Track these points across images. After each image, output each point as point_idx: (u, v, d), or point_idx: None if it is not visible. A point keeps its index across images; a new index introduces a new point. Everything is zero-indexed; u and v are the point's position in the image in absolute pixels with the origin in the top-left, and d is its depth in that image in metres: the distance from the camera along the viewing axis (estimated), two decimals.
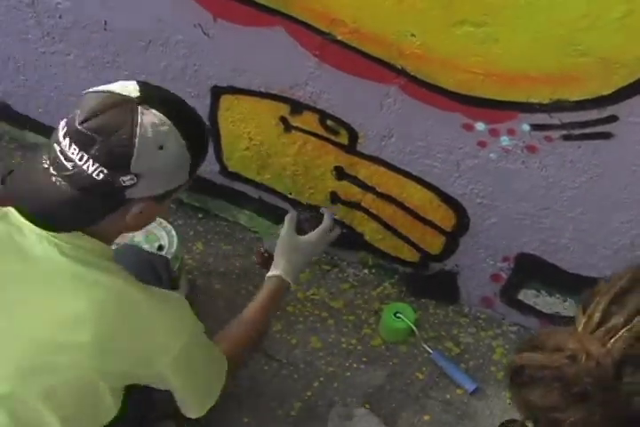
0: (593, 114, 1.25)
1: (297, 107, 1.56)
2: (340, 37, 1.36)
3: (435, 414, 1.66)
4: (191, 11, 1.48)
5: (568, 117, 1.28)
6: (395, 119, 1.47)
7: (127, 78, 1.70)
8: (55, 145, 1.05)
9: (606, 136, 1.28)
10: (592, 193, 1.39)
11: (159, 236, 1.69)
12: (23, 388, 1.09)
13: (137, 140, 1.01)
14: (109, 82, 1.75)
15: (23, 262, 1.10)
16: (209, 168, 1.84)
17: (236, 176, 1.86)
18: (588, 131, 1.28)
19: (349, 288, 1.90)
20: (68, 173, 1.03)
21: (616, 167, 1.32)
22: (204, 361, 1.22)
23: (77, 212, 1.06)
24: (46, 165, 1.05)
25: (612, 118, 1.24)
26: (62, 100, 1.93)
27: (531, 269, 1.65)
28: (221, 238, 1.99)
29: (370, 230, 1.79)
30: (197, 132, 1.13)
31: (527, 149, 1.37)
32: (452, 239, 1.68)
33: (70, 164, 1.02)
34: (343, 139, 1.59)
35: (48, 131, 2.02)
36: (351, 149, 1.60)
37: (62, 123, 1.06)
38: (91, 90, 1.09)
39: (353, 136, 1.56)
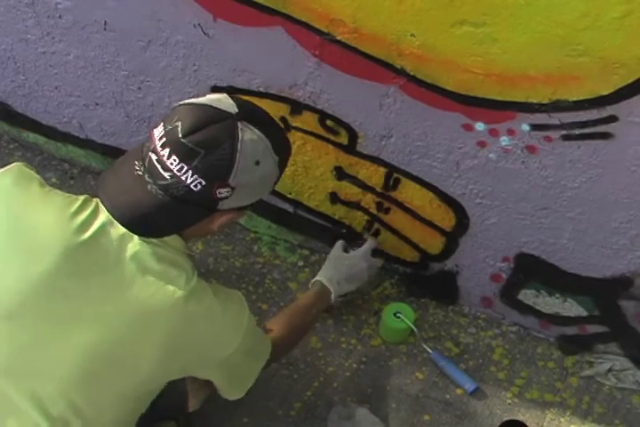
0: (592, 114, 1.25)
1: (296, 107, 1.56)
2: (339, 37, 1.36)
3: (434, 414, 1.66)
4: (191, 11, 1.48)
5: (568, 117, 1.28)
6: (394, 119, 1.47)
7: (127, 78, 1.73)
8: (152, 154, 1.08)
9: (606, 136, 1.28)
10: (592, 193, 1.39)
11: None
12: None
13: (238, 156, 1.07)
14: (109, 82, 1.77)
15: (115, 261, 1.12)
16: None
17: None
18: (587, 131, 1.28)
19: None
20: (164, 182, 1.07)
21: (616, 167, 1.32)
22: (252, 352, 1.28)
23: (170, 219, 1.10)
24: (140, 173, 1.09)
25: (612, 118, 1.24)
26: (62, 100, 1.93)
27: (530, 270, 1.65)
28: (221, 238, 1.99)
29: (370, 230, 1.79)
30: (287, 149, 1.20)
31: (527, 149, 1.37)
32: (452, 239, 1.68)
33: (168, 173, 1.06)
34: (343, 139, 1.59)
35: (48, 131, 2.05)
36: (351, 149, 1.60)
37: (158, 132, 1.09)
38: (186, 102, 1.13)
39: (353, 136, 1.57)
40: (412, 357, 1.76)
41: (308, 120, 1.59)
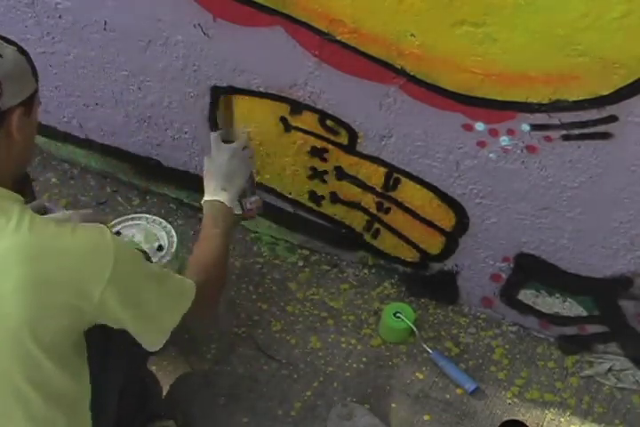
0: (592, 114, 1.25)
1: (296, 107, 1.56)
2: (339, 37, 1.36)
3: (434, 414, 1.66)
4: (191, 11, 1.48)
5: (568, 117, 1.28)
6: (394, 119, 1.47)
7: (127, 78, 1.73)
8: None
9: (606, 136, 1.28)
10: (592, 193, 1.39)
11: (159, 236, 1.69)
12: None
13: None
14: (109, 82, 1.77)
15: None
16: None
17: None
18: (587, 131, 1.28)
19: (349, 288, 1.90)
20: None
21: (616, 167, 1.32)
22: (150, 290, 1.17)
23: None
24: None
25: (612, 118, 1.24)
26: (62, 101, 1.93)
27: (530, 270, 1.65)
28: None
29: (370, 230, 1.80)
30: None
31: (527, 149, 1.37)
32: (452, 239, 1.68)
33: None
34: (343, 139, 1.59)
35: (48, 131, 2.05)
36: (351, 149, 1.60)
37: None
38: None
39: (353, 136, 1.57)
40: (411, 357, 1.76)
41: (308, 120, 1.59)
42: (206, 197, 1.53)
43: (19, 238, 1.04)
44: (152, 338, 1.20)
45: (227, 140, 1.59)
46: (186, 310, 1.21)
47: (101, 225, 1.16)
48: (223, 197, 1.52)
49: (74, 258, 1.07)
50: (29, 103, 1.14)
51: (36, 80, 1.17)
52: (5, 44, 1.12)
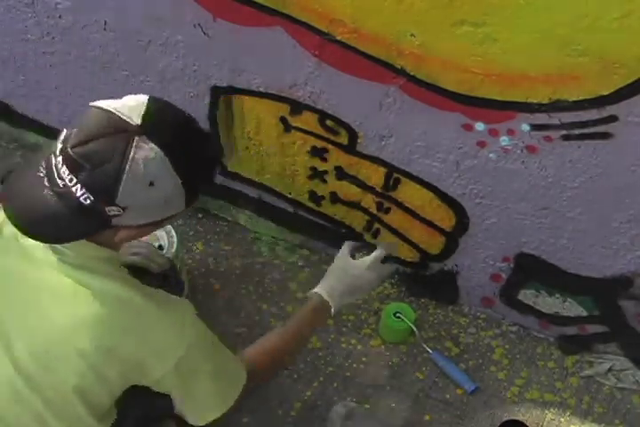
0: (592, 114, 1.25)
1: (296, 107, 1.56)
2: (339, 37, 1.36)
3: (434, 414, 1.66)
4: (191, 11, 1.48)
5: (568, 117, 1.28)
6: (394, 119, 1.47)
7: (127, 78, 1.73)
8: (52, 158, 1.02)
9: (606, 136, 1.28)
10: (592, 193, 1.39)
11: (159, 236, 1.69)
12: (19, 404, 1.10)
13: (125, 176, 0.97)
14: (109, 82, 1.77)
15: (28, 264, 1.09)
16: None
17: (235, 176, 1.86)
18: (587, 131, 1.28)
19: None
20: (59, 189, 1.00)
21: (616, 167, 1.32)
22: (210, 372, 1.18)
23: (65, 228, 1.03)
24: (42, 175, 1.02)
25: (612, 118, 1.24)
26: (62, 100, 1.93)
27: (530, 270, 1.65)
28: (221, 238, 1.99)
29: (370, 230, 1.80)
30: (197, 166, 1.07)
31: (527, 149, 1.37)
32: (452, 239, 1.68)
33: (61, 182, 1.00)
34: (343, 139, 1.59)
35: (48, 131, 2.05)
36: (351, 149, 1.60)
37: (62, 134, 1.03)
38: (97, 104, 1.04)
39: (353, 136, 1.56)
40: (411, 357, 1.76)
41: (307, 120, 1.59)
42: (322, 292, 1.47)
43: (104, 308, 1.06)
44: (193, 418, 1.23)
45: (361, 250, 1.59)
46: (233, 401, 1.23)
47: (186, 303, 1.18)
48: (336, 303, 1.47)
49: (149, 340, 1.10)
50: (157, 222, 1.08)
51: (188, 204, 1.07)
52: (175, 174, 1.01)
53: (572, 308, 1.67)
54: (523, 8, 1.15)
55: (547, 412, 1.67)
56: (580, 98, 1.24)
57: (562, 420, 1.66)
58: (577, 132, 1.30)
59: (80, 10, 1.64)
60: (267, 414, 1.64)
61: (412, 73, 1.35)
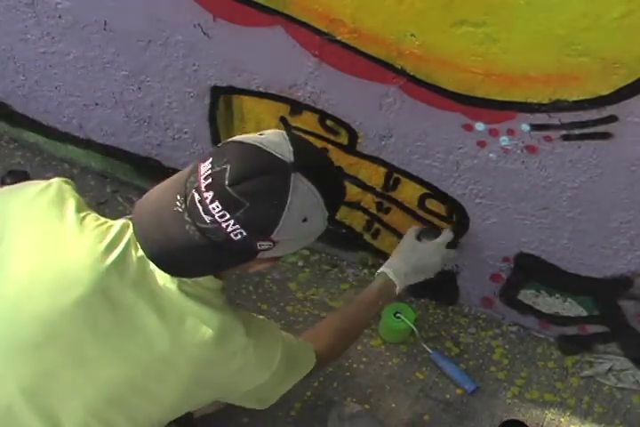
0: (592, 114, 1.25)
1: (296, 107, 1.56)
2: (339, 37, 1.36)
3: (435, 414, 1.66)
4: (191, 11, 1.48)
5: (567, 117, 1.28)
6: (394, 119, 1.47)
7: (127, 78, 1.73)
8: (195, 193, 0.99)
9: (606, 136, 1.27)
10: (592, 193, 1.39)
11: None
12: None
13: (285, 213, 0.99)
14: (109, 82, 1.77)
15: (144, 289, 1.10)
16: None
17: None
18: (587, 131, 1.28)
19: (349, 288, 1.90)
20: (204, 225, 0.99)
21: (616, 167, 1.32)
22: (286, 370, 1.24)
23: (204, 262, 1.04)
24: (180, 210, 1.00)
25: (612, 118, 1.24)
26: (62, 101, 1.93)
27: (530, 270, 1.65)
28: None
29: (370, 230, 1.80)
30: (339, 202, 1.12)
31: (527, 149, 1.37)
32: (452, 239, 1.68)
33: (209, 217, 0.98)
34: (343, 139, 1.59)
35: (48, 131, 2.05)
36: (351, 149, 1.60)
37: (204, 170, 1.00)
38: (240, 139, 1.04)
39: (352, 136, 1.56)
40: (411, 357, 1.76)
41: (307, 120, 1.59)
42: (388, 272, 1.50)
43: (204, 349, 1.09)
44: (258, 407, 1.34)
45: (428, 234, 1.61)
46: (291, 386, 1.31)
47: (277, 334, 1.23)
48: (401, 282, 1.49)
49: (243, 372, 1.15)
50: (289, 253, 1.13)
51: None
52: (324, 209, 1.04)
53: (572, 308, 1.67)
54: (523, 8, 1.15)
55: (547, 412, 1.67)
56: (580, 98, 1.24)
57: (562, 420, 1.66)
58: (577, 132, 1.30)
59: (80, 10, 1.64)
60: (267, 414, 1.63)
61: (412, 73, 1.35)
